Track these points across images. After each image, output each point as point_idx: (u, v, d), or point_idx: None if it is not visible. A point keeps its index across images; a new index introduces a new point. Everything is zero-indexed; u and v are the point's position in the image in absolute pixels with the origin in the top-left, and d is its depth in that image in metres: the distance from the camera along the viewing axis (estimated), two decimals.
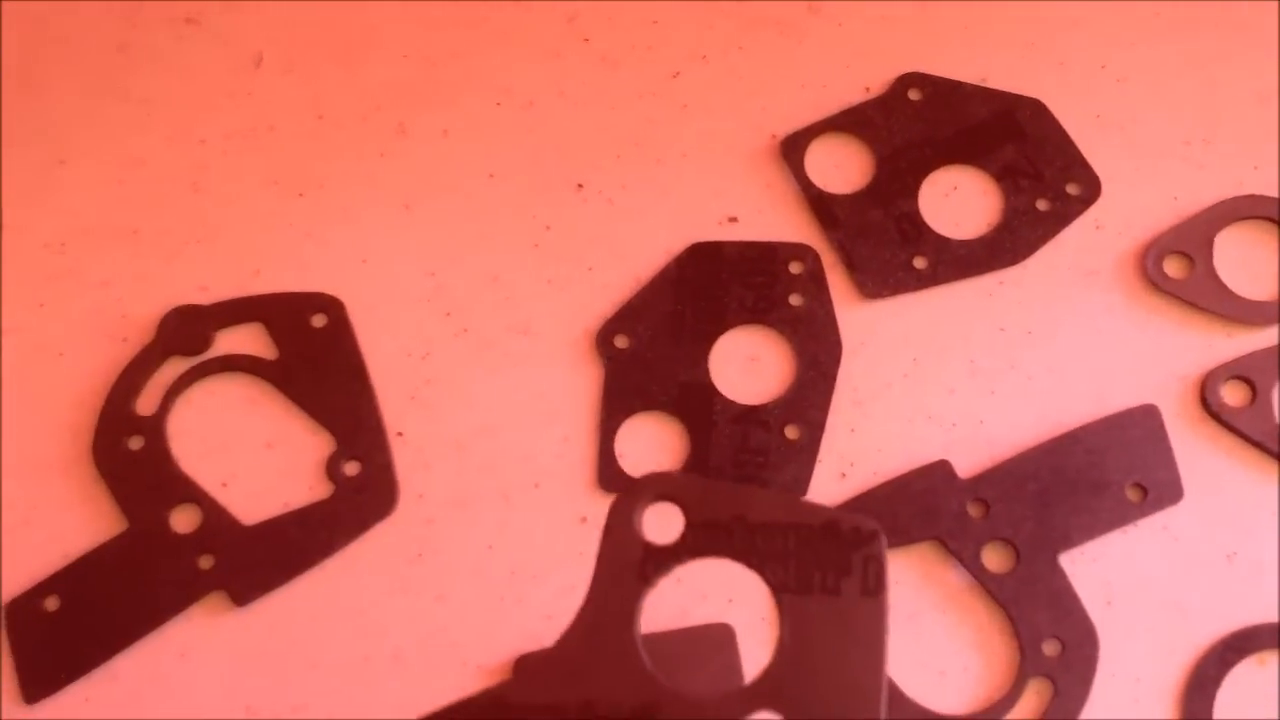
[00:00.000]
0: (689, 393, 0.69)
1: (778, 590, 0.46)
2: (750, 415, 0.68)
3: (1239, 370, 0.67)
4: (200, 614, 0.65)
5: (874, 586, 0.46)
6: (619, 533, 0.46)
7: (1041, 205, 0.72)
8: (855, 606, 0.46)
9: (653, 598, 0.61)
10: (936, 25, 0.77)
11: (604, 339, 0.70)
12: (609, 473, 0.67)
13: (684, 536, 0.46)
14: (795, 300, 0.70)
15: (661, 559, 0.46)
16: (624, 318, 0.70)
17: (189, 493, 0.67)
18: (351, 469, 0.67)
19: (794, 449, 0.67)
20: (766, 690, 0.47)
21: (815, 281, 0.70)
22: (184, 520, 0.66)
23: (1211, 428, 0.67)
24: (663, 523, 0.46)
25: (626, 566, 0.46)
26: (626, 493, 0.46)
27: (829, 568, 0.46)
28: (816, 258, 0.71)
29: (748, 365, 0.69)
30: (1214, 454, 0.67)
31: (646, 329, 0.70)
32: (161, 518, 0.66)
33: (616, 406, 0.69)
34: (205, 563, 0.65)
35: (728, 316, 0.71)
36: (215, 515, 0.66)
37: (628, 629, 0.46)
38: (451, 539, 0.66)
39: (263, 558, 0.66)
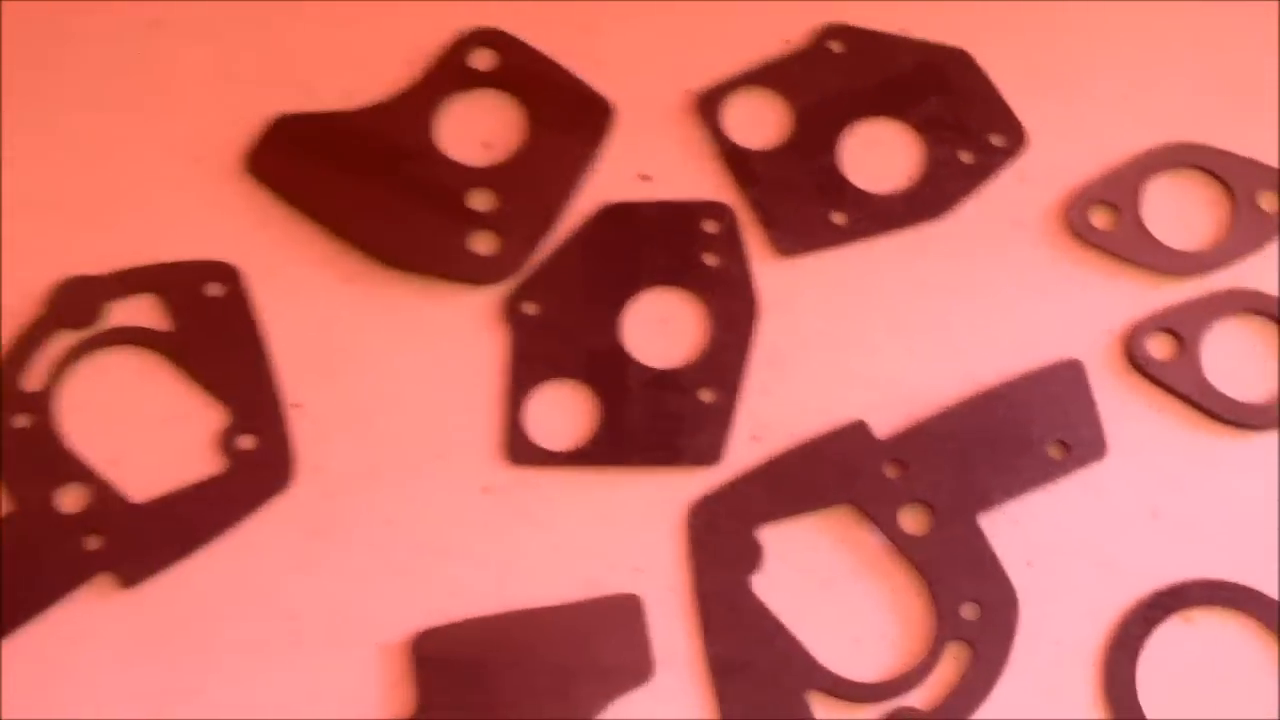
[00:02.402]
0: (600, 359, 0.67)
1: None
2: (664, 380, 0.66)
3: (1165, 322, 0.66)
4: (89, 596, 0.63)
5: None
6: None
7: (965, 157, 0.70)
8: None
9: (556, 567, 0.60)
10: None
11: (512, 306, 0.68)
12: (516, 443, 0.65)
13: None
14: (710, 260, 0.68)
15: None
16: (534, 284, 0.68)
17: (76, 471, 0.64)
18: (246, 442, 0.65)
19: (709, 412, 0.65)
20: None
21: (731, 240, 0.68)
22: (71, 499, 0.64)
23: (1137, 380, 0.65)
24: None
25: None
26: None
27: None
28: (732, 216, 0.69)
29: (662, 328, 0.67)
30: (1140, 409, 0.65)
31: (557, 294, 0.68)
32: (47, 497, 0.63)
33: (525, 375, 0.67)
34: (93, 543, 0.63)
35: (641, 279, 0.68)
36: (103, 493, 0.64)
37: None
38: (352, 513, 0.64)
39: (153, 536, 0.63)
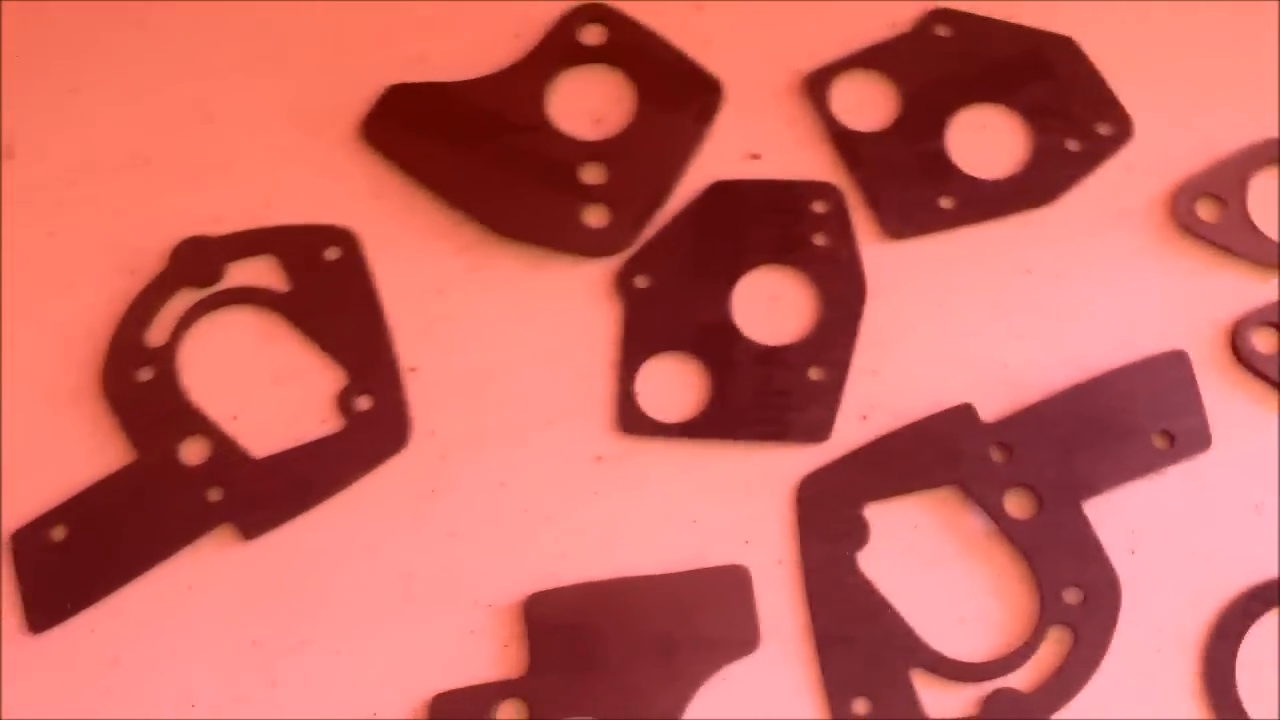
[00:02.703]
0: (710, 333, 0.68)
1: None
2: (773, 356, 0.67)
3: (1271, 317, 0.66)
4: (208, 547, 0.65)
5: None
6: None
7: (1071, 145, 0.70)
8: None
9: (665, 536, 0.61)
10: None
11: (624, 279, 0.69)
12: (628, 413, 0.67)
13: None
14: (819, 240, 0.69)
15: None
16: (644, 257, 0.69)
17: (199, 425, 0.66)
18: (363, 403, 0.66)
19: (817, 390, 0.66)
20: None
21: (839, 221, 0.69)
22: (193, 452, 0.65)
23: (1242, 374, 0.66)
24: None
25: None
26: None
27: None
28: (840, 197, 0.69)
29: (770, 306, 0.68)
30: (1244, 401, 0.66)
31: (667, 269, 0.69)
32: (170, 449, 0.65)
33: (636, 347, 0.68)
34: (214, 495, 0.65)
35: (749, 256, 0.69)
36: (225, 448, 0.65)
37: None
38: (464, 476, 0.66)
39: (272, 491, 0.65)
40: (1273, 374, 0.65)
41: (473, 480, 0.66)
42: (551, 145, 0.71)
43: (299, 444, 0.66)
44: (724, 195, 0.70)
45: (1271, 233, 0.68)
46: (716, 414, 0.66)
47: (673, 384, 0.67)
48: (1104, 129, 0.71)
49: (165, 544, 0.64)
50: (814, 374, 0.66)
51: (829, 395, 0.66)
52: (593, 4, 0.74)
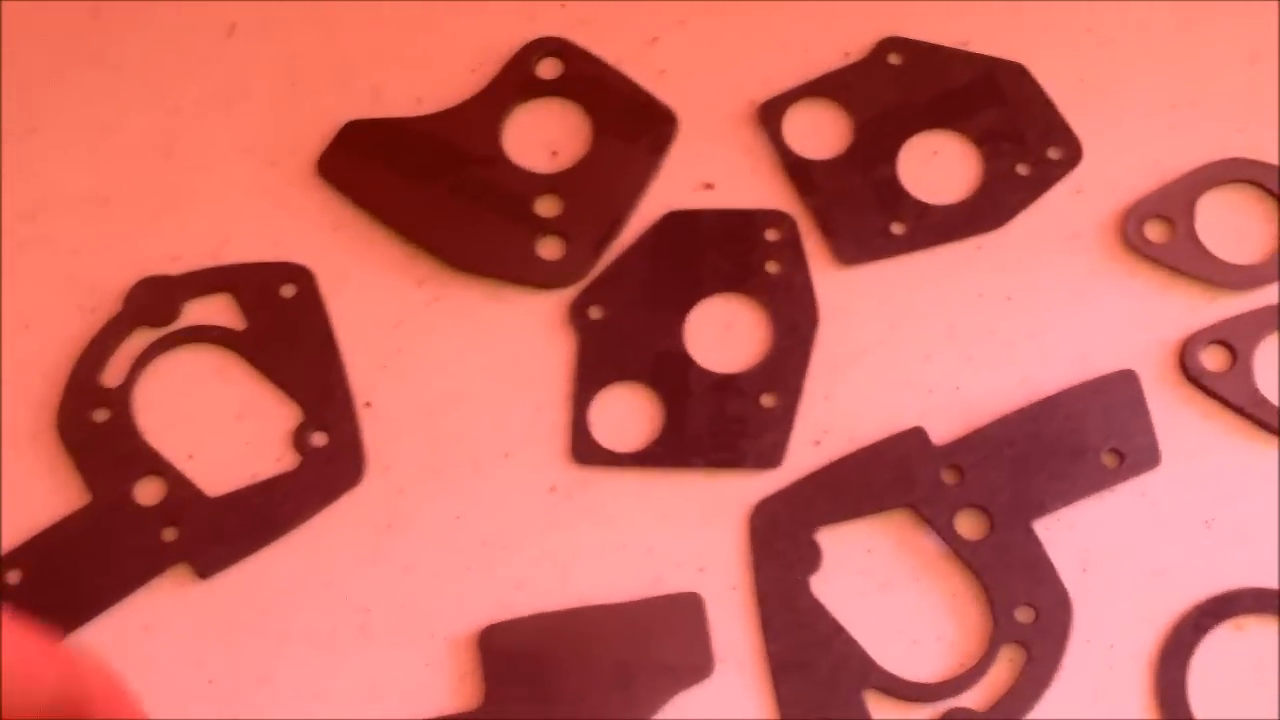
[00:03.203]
0: (664, 362, 0.68)
1: None
2: (726, 384, 0.67)
3: (1219, 334, 0.66)
4: (164, 586, 0.65)
5: None
6: None
7: (1022, 170, 0.71)
8: None
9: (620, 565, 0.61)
10: None
11: (578, 309, 0.69)
12: (582, 444, 0.67)
13: None
14: (772, 268, 0.69)
15: None
16: (598, 288, 0.70)
17: (154, 465, 0.66)
18: (319, 439, 0.66)
19: (770, 417, 0.66)
20: None
21: (792, 248, 0.70)
22: (148, 492, 0.66)
23: (1191, 392, 0.66)
24: None
25: None
26: None
27: None
28: (793, 225, 0.70)
29: (724, 334, 0.68)
30: (1193, 419, 0.66)
31: (621, 299, 0.69)
32: (126, 490, 0.65)
33: (590, 377, 0.68)
34: (169, 535, 0.65)
35: (703, 285, 0.70)
36: (180, 487, 0.66)
37: None
38: (420, 509, 0.66)
39: (228, 529, 0.65)
40: (1221, 390, 0.66)
41: (428, 514, 0.66)
42: (507, 178, 0.72)
43: (254, 482, 0.66)
44: (678, 225, 0.71)
45: (1219, 252, 0.68)
46: (670, 442, 0.66)
47: (627, 414, 0.67)
48: (1054, 153, 0.71)
49: (121, 585, 0.64)
50: (767, 401, 0.67)
51: (782, 421, 0.66)
52: (549, 38, 0.74)
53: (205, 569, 0.65)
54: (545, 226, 0.70)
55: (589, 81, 0.73)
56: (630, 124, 0.72)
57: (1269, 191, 0.70)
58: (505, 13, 0.75)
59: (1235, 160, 0.70)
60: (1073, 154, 0.71)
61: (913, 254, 0.70)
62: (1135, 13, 0.75)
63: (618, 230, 0.70)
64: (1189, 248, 0.69)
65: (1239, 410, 0.66)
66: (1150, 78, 0.73)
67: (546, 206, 0.70)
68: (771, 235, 0.69)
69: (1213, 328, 0.67)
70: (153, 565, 0.65)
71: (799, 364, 0.67)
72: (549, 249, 0.69)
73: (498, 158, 0.72)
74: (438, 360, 0.68)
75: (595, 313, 0.68)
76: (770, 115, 0.73)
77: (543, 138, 0.73)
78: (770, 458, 0.66)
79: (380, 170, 0.71)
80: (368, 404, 0.67)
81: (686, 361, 0.68)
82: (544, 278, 0.69)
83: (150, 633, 0.64)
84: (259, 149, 0.73)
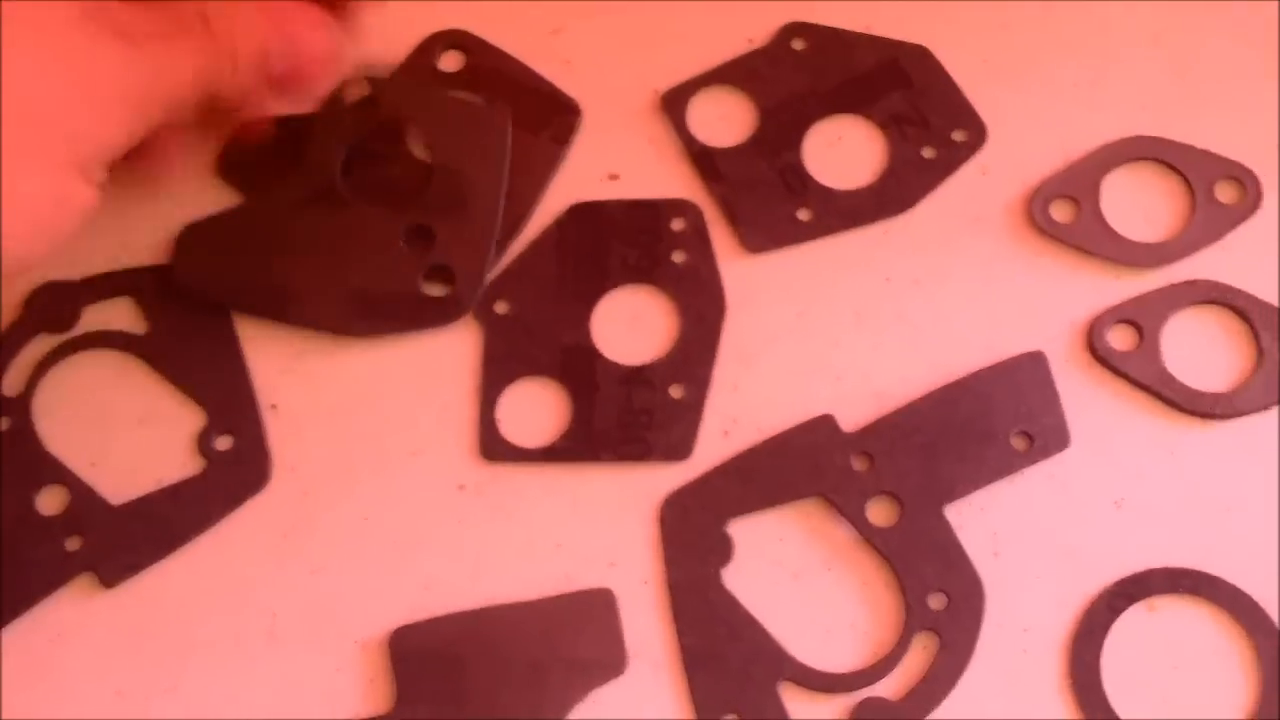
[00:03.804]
0: (571, 356, 0.68)
1: None
2: (634, 376, 0.67)
3: (1126, 314, 0.67)
4: (69, 596, 0.64)
5: None
6: None
7: (927, 153, 0.71)
8: None
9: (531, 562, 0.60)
10: None
11: (483, 305, 0.68)
12: (490, 440, 0.66)
13: None
14: (678, 257, 0.69)
15: None
16: (504, 282, 0.69)
17: (56, 473, 0.65)
18: (223, 443, 0.66)
19: (679, 408, 0.66)
20: None
21: (698, 237, 0.69)
22: (51, 501, 0.65)
23: (1100, 372, 0.66)
24: None
25: None
26: None
27: None
28: (699, 213, 0.69)
29: (631, 325, 0.68)
30: (1103, 399, 0.66)
31: (527, 293, 0.68)
32: (27, 499, 0.64)
33: (497, 373, 0.67)
34: (73, 544, 0.64)
35: (610, 276, 0.69)
36: (83, 495, 0.65)
37: None
38: (327, 511, 0.65)
39: (132, 537, 0.64)
40: (1129, 370, 0.66)
41: (336, 516, 0.65)
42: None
43: (159, 488, 0.65)
44: (583, 217, 0.70)
45: (1125, 231, 0.68)
46: (579, 436, 0.66)
47: (535, 409, 0.67)
48: (959, 136, 0.71)
49: (25, 596, 0.63)
50: (675, 392, 0.66)
51: (690, 413, 0.66)
52: (451, 30, 0.73)
53: (110, 578, 0.64)
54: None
55: (491, 74, 0.72)
56: (534, 116, 0.71)
57: (1173, 169, 0.70)
58: (405, 8, 0.73)
59: (1138, 138, 0.71)
60: (977, 136, 0.71)
61: (819, 240, 0.70)
62: None
63: (522, 223, 0.69)
64: (1095, 227, 0.69)
65: (1147, 389, 0.66)
66: (1053, 59, 0.73)
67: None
68: (677, 225, 0.69)
69: (1119, 307, 0.67)
70: (57, 575, 0.64)
71: (707, 354, 0.67)
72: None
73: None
74: (343, 361, 0.68)
75: (501, 307, 0.68)
76: (674, 104, 0.72)
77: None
78: (679, 450, 0.65)
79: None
80: (273, 406, 0.66)
81: (593, 354, 0.67)
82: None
83: (56, 644, 0.63)
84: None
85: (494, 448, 0.66)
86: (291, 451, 0.66)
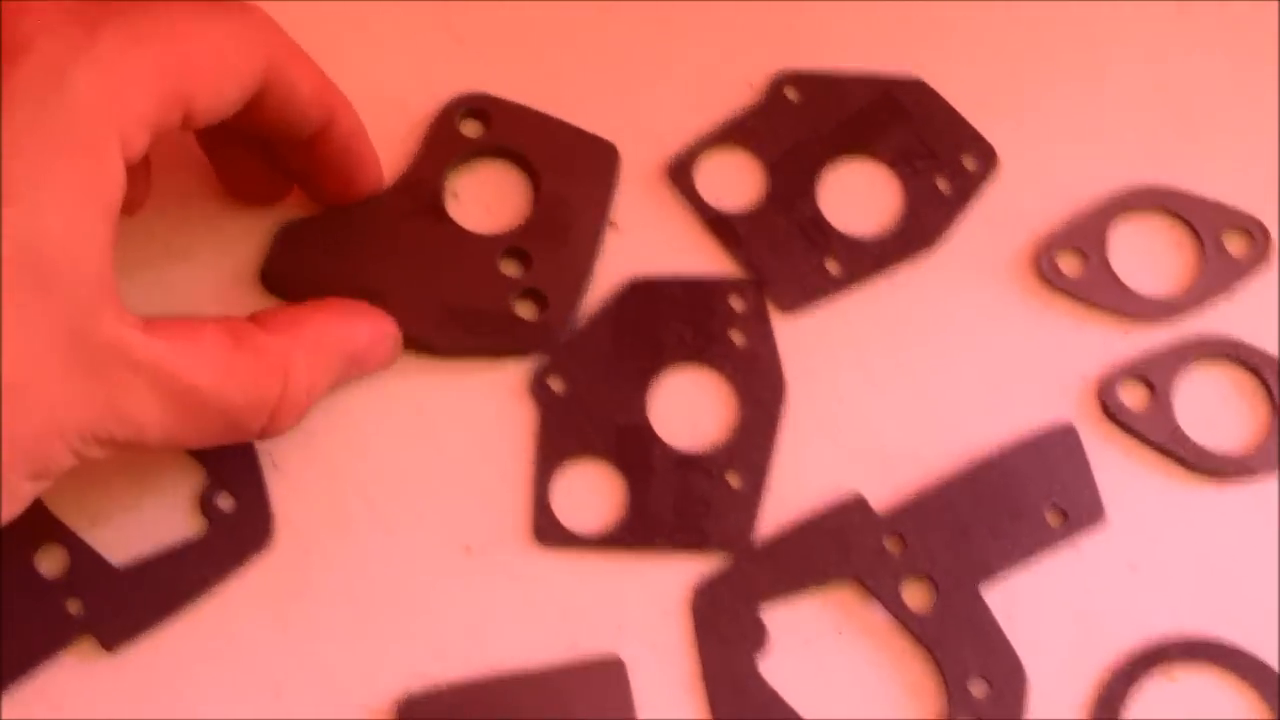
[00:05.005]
0: (627, 437, 0.66)
1: None
2: (691, 462, 0.65)
3: (1137, 370, 0.66)
4: (70, 661, 0.62)
5: None
6: None
7: (942, 185, 0.70)
8: None
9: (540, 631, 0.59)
10: (805, 19, 0.74)
11: (539, 381, 0.66)
12: (545, 524, 0.65)
13: None
14: (737, 338, 0.67)
15: None
16: (559, 359, 0.67)
17: (56, 533, 0.63)
18: (225, 503, 0.64)
19: (737, 498, 0.65)
20: None
21: (758, 318, 0.68)
22: (51, 562, 0.63)
23: (1110, 429, 0.66)
24: None
25: None
26: None
27: None
28: (758, 292, 0.68)
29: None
30: (1115, 458, 0.66)
31: (583, 370, 0.67)
32: (27, 560, 0.62)
33: (552, 452, 0.66)
34: (73, 607, 0.62)
35: (666, 355, 0.67)
36: (83, 556, 0.63)
37: None
38: (331, 574, 0.63)
39: (134, 600, 0.62)
40: (1141, 429, 0.65)
41: (340, 578, 0.63)
42: (465, 246, 0.68)
43: (160, 549, 0.63)
44: (641, 293, 0.69)
45: (1133, 284, 0.68)
46: (634, 523, 0.64)
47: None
48: (970, 163, 0.71)
49: (25, 660, 0.61)
50: (733, 481, 0.65)
51: (748, 503, 0.65)
52: (469, 95, 0.71)
53: (111, 641, 0.62)
54: (516, 286, 0.67)
55: (519, 130, 0.70)
56: (572, 163, 0.70)
57: (1181, 219, 0.69)
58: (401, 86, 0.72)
59: (1145, 188, 0.70)
60: (988, 161, 0.71)
61: (829, 299, 0.69)
62: (1039, 35, 0.74)
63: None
64: (1103, 280, 0.68)
65: (1160, 448, 0.65)
66: (1055, 105, 0.73)
67: (511, 268, 0.68)
68: (737, 304, 0.68)
69: (1130, 363, 0.67)
70: (58, 639, 0.62)
71: (765, 442, 0.66)
72: (526, 310, 0.67)
73: (448, 226, 0.68)
74: (345, 420, 0.66)
75: (556, 385, 0.66)
76: (679, 173, 0.71)
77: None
78: (736, 540, 0.64)
79: (325, 270, 0.68)
80: (276, 465, 0.65)
81: (650, 436, 0.66)
82: (527, 341, 0.67)
83: (58, 709, 0.61)
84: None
85: (549, 532, 0.64)
86: (296, 512, 0.64)
